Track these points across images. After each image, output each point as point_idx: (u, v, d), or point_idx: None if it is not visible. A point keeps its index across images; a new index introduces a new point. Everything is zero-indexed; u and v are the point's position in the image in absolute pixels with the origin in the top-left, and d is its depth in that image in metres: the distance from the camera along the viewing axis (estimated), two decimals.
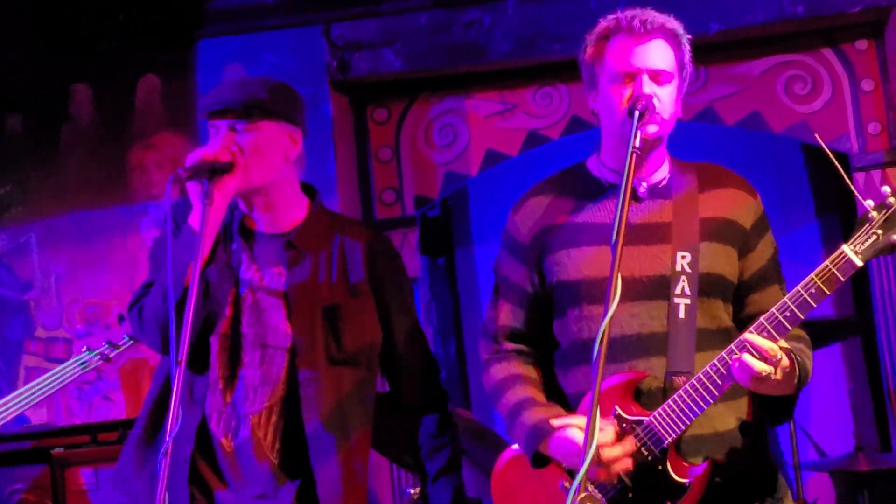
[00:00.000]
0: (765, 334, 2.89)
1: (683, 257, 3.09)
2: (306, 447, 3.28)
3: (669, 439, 2.98)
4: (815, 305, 2.90)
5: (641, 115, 2.94)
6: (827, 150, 3.00)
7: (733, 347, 2.93)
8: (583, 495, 2.50)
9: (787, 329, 2.90)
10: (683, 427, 2.97)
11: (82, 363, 3.91)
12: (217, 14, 6.08)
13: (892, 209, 2.86)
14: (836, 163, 2.98)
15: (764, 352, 2.86)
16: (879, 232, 2.87)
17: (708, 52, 5.75)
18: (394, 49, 5.99)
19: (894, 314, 5.81)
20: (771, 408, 3.16)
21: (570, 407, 3.16)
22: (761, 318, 2.91)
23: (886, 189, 2.89)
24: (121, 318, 3.94)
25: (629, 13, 3.13)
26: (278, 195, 3.35)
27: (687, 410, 2.96)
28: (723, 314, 3.13)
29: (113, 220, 6.17)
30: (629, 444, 3.00)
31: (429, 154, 6.21)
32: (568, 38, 5.72)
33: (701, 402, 2.96)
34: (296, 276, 3.32)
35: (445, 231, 6.76)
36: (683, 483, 3.00)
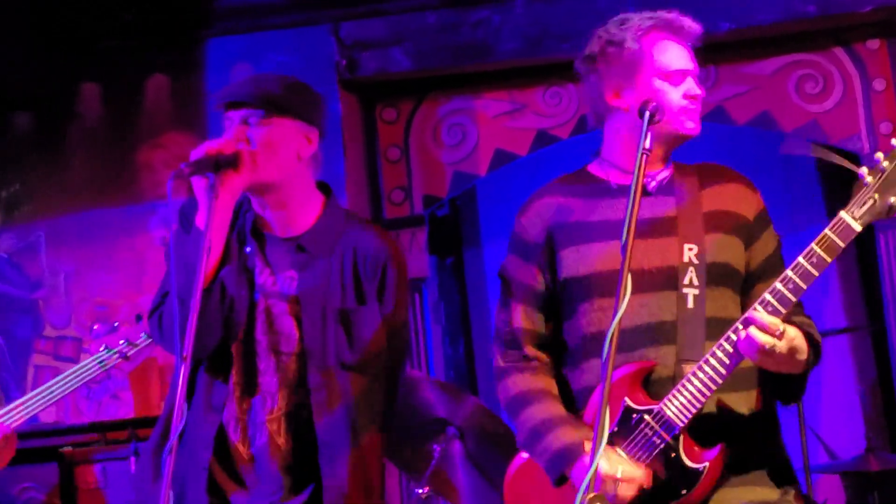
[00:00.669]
0: (769, 309, 2.90)
1: (690, 249, 3.12)
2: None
3: (681, 425, 2.98)
4: (816, 275, 2.91)
5: (652, 117, 2.96)
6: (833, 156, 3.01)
7: (738, 325, 2.94)
8: (591, 495, 2.50)
9: (791, 301, 2.91)
10: (694, 411, 2.98)
11: (101, 361, 3.90)
12: (225, 12, 6.08)
13: (887, 173, 2.89)
14: (845, 161, 3.01)
15: (766, 326, 2.87)
16: (876, 196, 2.90)
17: (718, 51, 5.74)
18: (402, 48, 5.98)
19: None
20: (782, 388, 3.17)
21: (577, 403, 3.17)
22: (765, 293, 2.92)
23: (879, 155, 2.92)
24: (138, 318, 3.93)
25: (671, 14, 3.20)
26: (290, 194, 3.30)
27: (697, 394, 2.97)
28: (732, 305, 3.14)
29: (121, 219, 6.17)
30: (640, 473, 3.01)
31: (438, 153, 6.21)
32: (577, 38, 5.69)
33: (710, 384, 2.96)
34: (307, 281, 3.28)
35: (454, 231, 6.76)
36: (697, 468, 3.00)
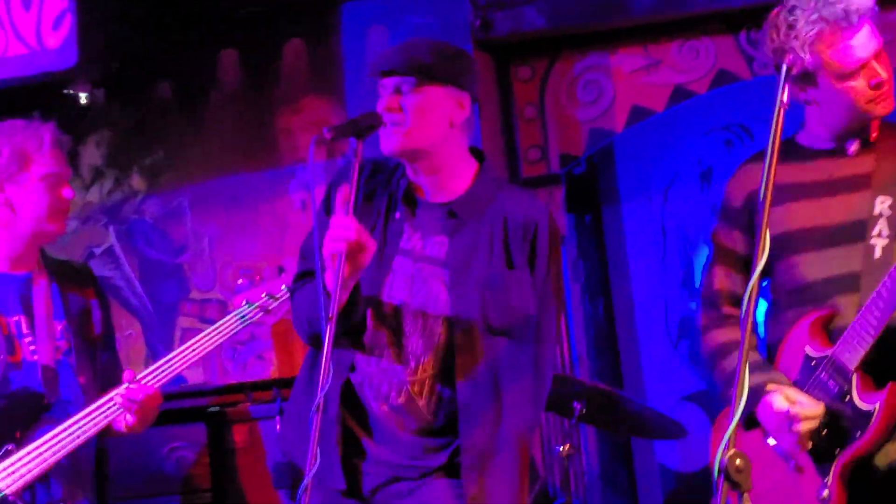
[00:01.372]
0: None
1: (883, 201, 3.20)
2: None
3: (852, 367, 3.07)
4: None
5: (788, 71, 2.95)
6: None
7: None
8: (731, 452, 2.48)
9: None
10: (863, 352, 3.05)
11: (242, 316, 3.93)
12: None
13: None
14: None
15: None
16: None
17: None
18: (536, 7, 5.94)
19: None
20: None
21: (772, 354, 3.34)
22: None
23: None
24: (280, 269, 3.97)
25: (830, 5, 3.16)
26: (443, 160, 3.33)
27: (864, 333, 3.05)
28: None
29: (261, 183, 6.25)
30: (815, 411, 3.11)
31: (573, 111, 6.16)
32: None
33: (875, 321, 3.03)
34: (457, 246, 3.31)
35: (591, 189, 6.71)
36: (869, 409, 3.04)
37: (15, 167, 3.74)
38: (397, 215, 3.37)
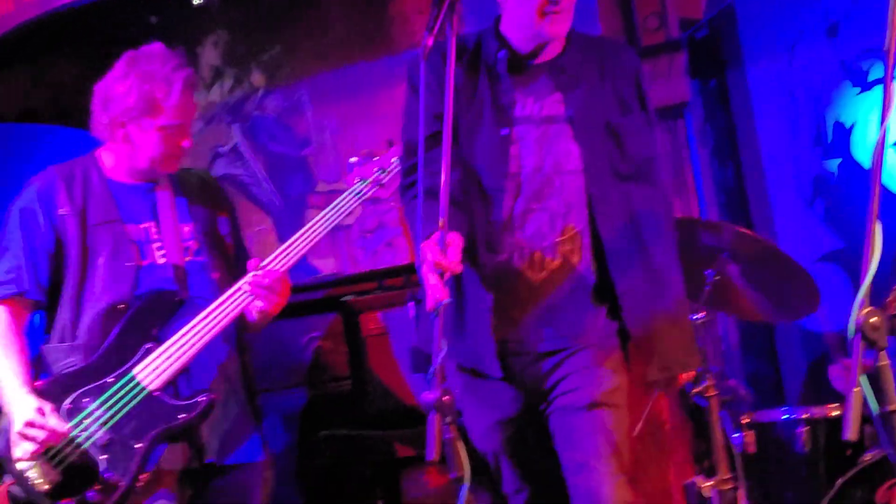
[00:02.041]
0: None
1: None
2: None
3: None
4: None
5: None
6: None
7: None
8: (867, 310, 2.43)
9: None
10: None
11: (357, 192, 3.95)
12: None
13: None
14: None
15: None
16: None
17: None
18: None
19: None
20: None
21: None
22: None
23: None
24: (389, 143, 3.97)
25: None
26: None
27: None
28: None
29: (379, 71, 6.25)
30: None
31: None
32: None
33: None
34: (574, 100, 3.38)
35: (714, 52, 6.56)
36: None
37: (139, 112, 3.76)
38: (504, 87, 3.39)
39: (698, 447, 5.18)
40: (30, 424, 3.57)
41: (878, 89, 5.81)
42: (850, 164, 5.92)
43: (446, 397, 2.73)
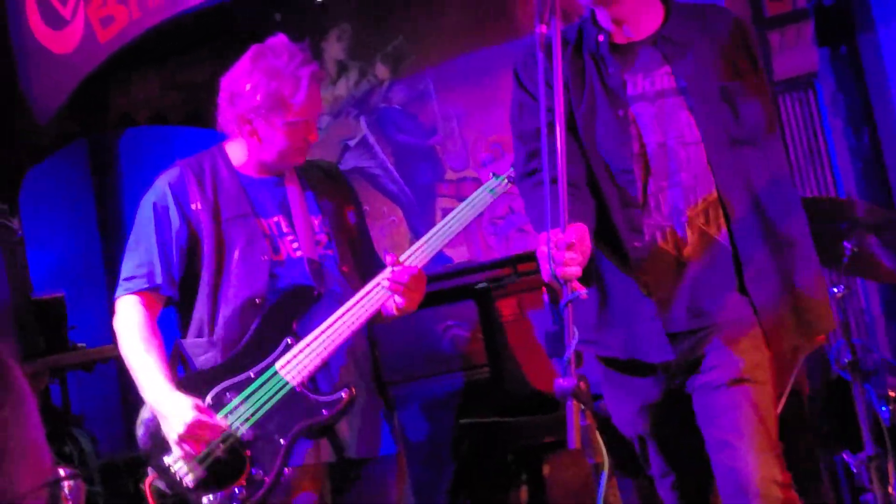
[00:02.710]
0: None
1: None
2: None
3: None
4: None
5: None
6: None
7: None
8: None
9: None
10: None
11: (491, 189, 3.97)
12: None
13: None
14: None
15: None
16: None
17: None
18: None
19: None
20: None
21: None
22: None
23: None
24: None
25: None
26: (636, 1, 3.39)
27: None
28: None
29: (502, 55, 6.23)
30: None
31: None
32: None
33: None
34: (684, 70, 3.35)
35: (844, 19, 6.42)
36: None
37: (266, 109, 3.77)
38: (610, 70, 3.36)
39: (840, 422, 5.10)
40: (198, 424, 3.60)
41: None
42: None
43: (582, 383, 2.72)
